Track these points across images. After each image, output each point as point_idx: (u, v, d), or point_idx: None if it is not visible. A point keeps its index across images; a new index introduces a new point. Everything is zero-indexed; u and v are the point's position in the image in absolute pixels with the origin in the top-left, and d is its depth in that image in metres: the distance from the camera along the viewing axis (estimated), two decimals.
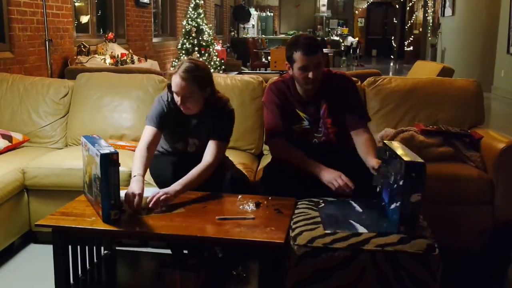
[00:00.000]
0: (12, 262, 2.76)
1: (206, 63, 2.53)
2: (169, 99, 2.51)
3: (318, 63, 2.40)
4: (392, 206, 1.98)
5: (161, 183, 2.50)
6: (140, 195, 2.14)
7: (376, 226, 1.97)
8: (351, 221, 2.01)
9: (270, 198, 2.28)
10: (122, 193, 2.16)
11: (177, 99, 2.41)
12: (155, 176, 2.62)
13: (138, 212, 2.11)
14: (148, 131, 2.48)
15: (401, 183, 1.88)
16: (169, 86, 2.46)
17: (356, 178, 2.27)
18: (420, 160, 1.89)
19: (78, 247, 2.23)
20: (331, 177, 2.28)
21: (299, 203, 2.26)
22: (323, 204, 2.20)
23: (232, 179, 2.44)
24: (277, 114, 2.54)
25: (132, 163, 2.36)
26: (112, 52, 6.11)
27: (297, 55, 2.39)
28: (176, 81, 2.37)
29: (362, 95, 3.18)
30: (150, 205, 2.13)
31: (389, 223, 1.98)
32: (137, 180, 2.22)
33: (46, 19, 4.71)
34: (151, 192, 2.38)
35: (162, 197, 2.16)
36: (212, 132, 2.49)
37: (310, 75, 2.40)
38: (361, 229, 1.94)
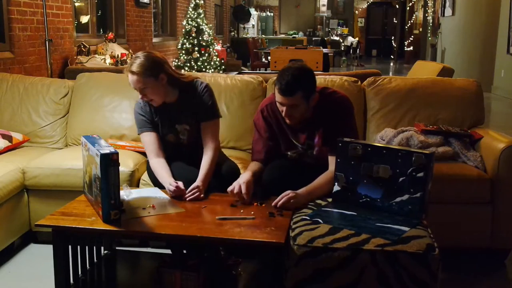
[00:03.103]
0: (12, 262, 2.76)
1: (162, 54, 2.56)
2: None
3: (293, 105, 2.27)
4: (397, 199, 2.05)
5: (159, 184, 2.50)
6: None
7: (394, 221, 2.02)
8: (376, 224, 2.01)
9: (270, 198, 2.28)
10: (122, 193, 2.15)
11: (139, 94, 2.47)
12: (153, 177, 2.62)
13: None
14: (147, 138, 2.54)
15: (420, 174, 2.03)
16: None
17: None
18: (426, 151, 2.09)
19: (78, 247, 2.23)
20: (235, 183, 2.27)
21: None
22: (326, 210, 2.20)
23: (227, 171, 2.51)
24: (260, 139, 2.50)
25: (159, 177, 2.42)
26: (112, 52, 6.10)
27: (276, 89, 2.29)
28: (129, 78, 2.44)
29: (362, 98, 3.19)
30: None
31: (399, 216, 2.05)
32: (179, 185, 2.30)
33: (46, 19, 4.71)
34: (151, 192, 2.38)
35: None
36: (200, 115, 2.54)
37: (283, 112, 2.31)
38: (396, 228, 1.97)
